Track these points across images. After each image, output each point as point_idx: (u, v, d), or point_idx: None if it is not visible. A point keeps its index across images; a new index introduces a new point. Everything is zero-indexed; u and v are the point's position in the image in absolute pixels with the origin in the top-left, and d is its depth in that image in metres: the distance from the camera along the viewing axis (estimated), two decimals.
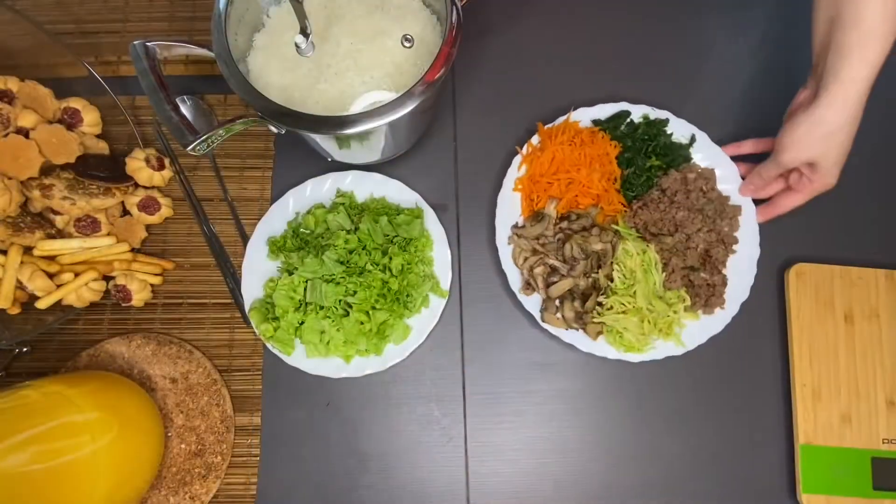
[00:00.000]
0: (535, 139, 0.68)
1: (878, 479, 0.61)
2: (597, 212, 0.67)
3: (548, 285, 0.64)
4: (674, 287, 0.64)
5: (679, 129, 0.69)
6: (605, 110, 0.69)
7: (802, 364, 0.64)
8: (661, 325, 0.63)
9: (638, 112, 0.69)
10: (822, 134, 0.56)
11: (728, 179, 0.68)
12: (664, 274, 0.64)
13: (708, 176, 0.67)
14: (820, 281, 0.66)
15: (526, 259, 0.65)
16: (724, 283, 0.65)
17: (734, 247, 0.66)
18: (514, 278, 0.65)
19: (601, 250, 0.64)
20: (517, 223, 0.67)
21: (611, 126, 0.69)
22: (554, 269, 0.64)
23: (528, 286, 0.65)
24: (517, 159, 0.68)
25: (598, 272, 0.64)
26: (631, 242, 0.64)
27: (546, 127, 0.68)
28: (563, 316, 0.64)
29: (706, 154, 0.68)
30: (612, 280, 0.64)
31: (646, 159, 0.67)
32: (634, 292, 0.63)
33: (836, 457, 0.62)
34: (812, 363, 0.64)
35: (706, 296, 0.64)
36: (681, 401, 0.65)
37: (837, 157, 0.57)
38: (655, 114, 0.69)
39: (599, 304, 0.63)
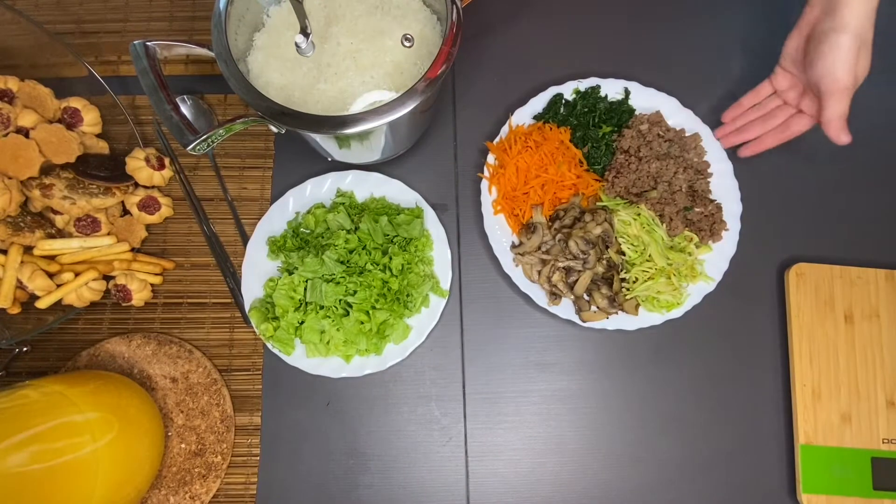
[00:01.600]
0: (490, 158, 0.68)
1: (878, 479, 0.61)
2: (580, 199, 0.67)
3: (571, 287, 0.64)
4: (678, 233, 0.65)
5: (612, 88, 0.70)
6: (539, 102, 0.70)
7: (802, 364, 0.64)
8: (685, 271, 0.64)
9: (568, 90, 0.70)
10: (861, 44, 0.54)
11: (672, 113, 0.69)
12: (664, 225, 0.65)
13: (657, 120, 0.69)
14: (820, 281, 0.66)
15: (539, 272, 0.65)
16: (720, 208, 0.66)
17: (709, 170, 0.68)
18: (538, 295, 0.65)
19: (602, 232, 0.65)
20: (513, 243, 0.67)
21: (551, 114, 0.69)
22: (569, 269, 0.65)
23: (554, 296, 0.65)
24: (484, 184, 0.68)
25: (608, 252, 0.65)
26: (623, 211, 0.66)
27: (495, 142, 0.69)
28: (598, 308, 0.64)
29: (644, 100, 0.70)
30: (623, 254, 0.65)
31: (597, 130, 0.68)
32: (649, 256, 0.64)
33: (836, 457, 0.62)
34: (812, 363, 0.64)
35: (709, 226, 0.65)
36: (680, 401, 0.65)
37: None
38: (584, 84, 0.70)
39: (624, 280, 0.64)
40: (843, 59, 0.54)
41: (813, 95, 0.59)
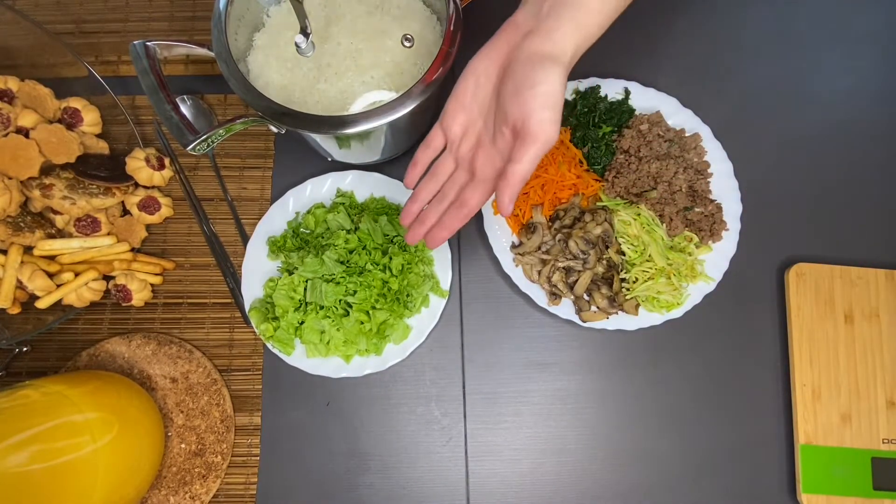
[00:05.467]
0: None
1: (878, 479, 0.61)
2: (579, 199, 0.67)
3: (571, 287, 0.64)
4: (678, 233, 0.65)
5: (612, 88, 0.70)
6: None
7: (802, 364, 0.64)
8: (685, 271, 0.64)
9: (568, 90, 0.70)
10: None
11: (672, 113, 0.69)
12: (664, 225, 0.65)
13: (657, 120, 0.68)
14: (820, 281, 0.66)
15: (539, 272, 0.65)
16: (720, 208, 0.66)
17: (709, 170, 0.68)
18: (538, 294, 0.65)
19: (602, 232, 0.65)
20: (513, 243, 0.67)
21: None
22: (569, 270, 0.65)
23: (554, 296, 0.65)
24: None
25: (608, 252, 0.65)
26: (623, 212, 0.66)
27: None
28: (598, 308, 0.64)
29: (645, 100, 0.70)
30: (623, 254, 0.65)
31: (597, 130, 0.68)
32: (649, 256, 0.64)
33: (836, 457, 0.62)
34: (812, 363, 0.64)
35: (709, 226, 0.66)
36: (681, 400, 0.65)
37: None
38: (584, 84, 0.70)
39: (624, 280, 0.65)
40: (558, 97, 0.40)
41: (492, 146, 0.45)
